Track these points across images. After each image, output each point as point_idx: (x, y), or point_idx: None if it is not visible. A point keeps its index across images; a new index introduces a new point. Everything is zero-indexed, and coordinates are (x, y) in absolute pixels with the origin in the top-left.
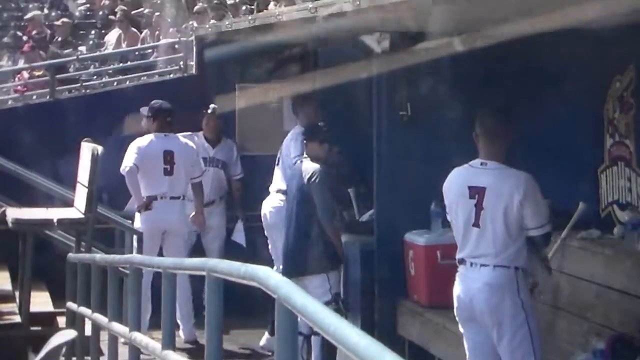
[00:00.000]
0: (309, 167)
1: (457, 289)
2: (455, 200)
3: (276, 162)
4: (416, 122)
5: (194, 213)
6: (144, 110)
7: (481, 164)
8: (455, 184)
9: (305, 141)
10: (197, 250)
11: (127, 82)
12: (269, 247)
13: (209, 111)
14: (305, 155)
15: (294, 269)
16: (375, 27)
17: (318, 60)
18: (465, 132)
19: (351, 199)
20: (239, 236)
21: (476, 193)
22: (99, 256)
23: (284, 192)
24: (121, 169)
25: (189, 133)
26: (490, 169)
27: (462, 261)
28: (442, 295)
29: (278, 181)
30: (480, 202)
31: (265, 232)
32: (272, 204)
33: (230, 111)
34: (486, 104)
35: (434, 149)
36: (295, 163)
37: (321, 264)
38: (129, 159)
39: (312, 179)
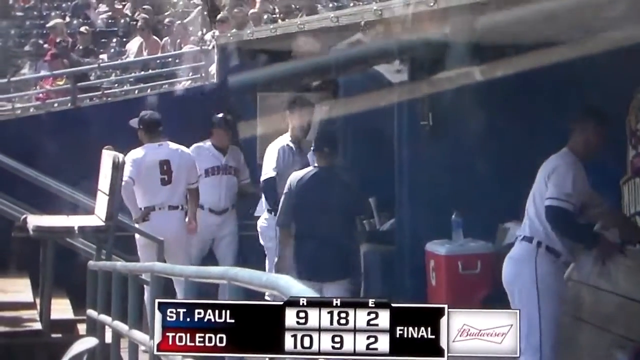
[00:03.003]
0: (345, 176)
1: None
2: None
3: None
4: (438, 132)
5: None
6: (134, 122)
7: None
8: None
9: (315, 150)
10: (209, 258)
11: (149, 90)
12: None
13: (218, 120)
14: (316, 164)
15: (319, 275)
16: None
17: (338, 90)
18: (487, 141)
19: (372, 208)
20: None
21: None
22: (119, 264)
23: None
24: None
25: (199, 144)
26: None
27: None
28: (463, 305)
29: None
30: None
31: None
32: None
33: (252, 119)
34: (507, 114)
35: (456, 158)
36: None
37: (348, 269)
38: (125, 173)
39: (353, 187)
